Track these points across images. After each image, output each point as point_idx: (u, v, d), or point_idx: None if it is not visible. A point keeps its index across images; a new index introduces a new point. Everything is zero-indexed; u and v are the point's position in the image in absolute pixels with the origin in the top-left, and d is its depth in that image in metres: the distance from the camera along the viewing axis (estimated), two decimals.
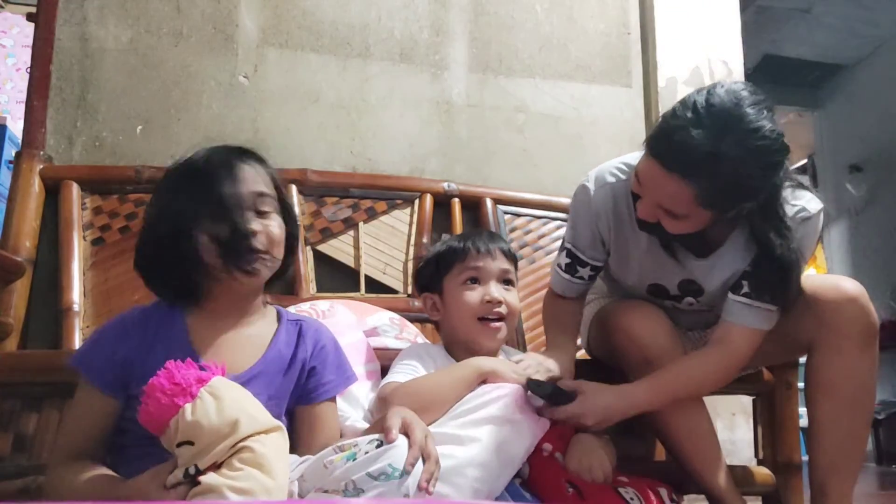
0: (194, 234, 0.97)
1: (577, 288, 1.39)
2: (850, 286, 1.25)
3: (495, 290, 1.22)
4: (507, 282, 1.26)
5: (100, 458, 0.94)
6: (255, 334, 1.03)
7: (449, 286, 1.26)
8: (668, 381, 1.22)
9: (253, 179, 1.01)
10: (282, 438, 0.82)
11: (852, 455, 1.27)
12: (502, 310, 1.22)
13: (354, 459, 0.78)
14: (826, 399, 1.26)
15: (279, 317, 1.08)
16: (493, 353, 1.24)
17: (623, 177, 1.29)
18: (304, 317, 1.13)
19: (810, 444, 1.30)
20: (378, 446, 0.79)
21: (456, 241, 1.29)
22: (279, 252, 1.02)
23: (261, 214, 1.00)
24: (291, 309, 1.22)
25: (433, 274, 1.29)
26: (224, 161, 1.00)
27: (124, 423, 0.96)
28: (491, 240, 1.27)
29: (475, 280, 1.24)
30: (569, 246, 1.37)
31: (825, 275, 1.41)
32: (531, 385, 1.10)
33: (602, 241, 1.35)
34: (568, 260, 1.37)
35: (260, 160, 1.05)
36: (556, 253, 1.45)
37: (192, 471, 0.76)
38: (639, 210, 1.20)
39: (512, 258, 1.28)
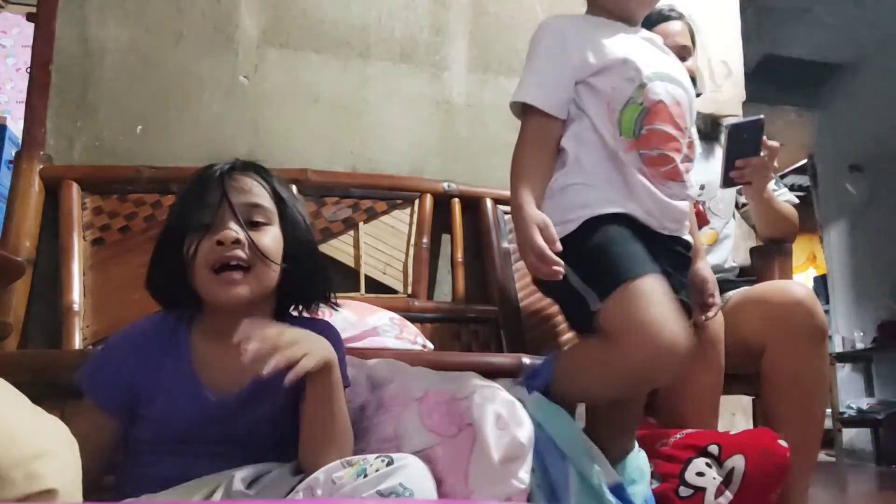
0: (186, 244, 0.96)
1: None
2: (799, 290, 1.32)
3: None
4: None
5: (99, 478, 0.93)
6: None
7: None
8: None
9: (246, 190, 0.99)
10: None
11: (806, 452, 1.31)
12: None
13: (365, 476, 0.76)
14: (779, 400, 1.32)
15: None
16: None
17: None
18: (314, 318, 1.10)
19: None
20: (388, 464, 0.77)
21: None
22: (267, 266, 0.97)
23: (253, 226, 0.97)
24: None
25: None
26: (218, 171, 0.99)
27: (130, 444, 0.96)
28: None
29: None
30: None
31: (775, 280, 1.47)
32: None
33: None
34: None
35: (261, 172, 1.03)
36: None
37: None
38: None
39: None
